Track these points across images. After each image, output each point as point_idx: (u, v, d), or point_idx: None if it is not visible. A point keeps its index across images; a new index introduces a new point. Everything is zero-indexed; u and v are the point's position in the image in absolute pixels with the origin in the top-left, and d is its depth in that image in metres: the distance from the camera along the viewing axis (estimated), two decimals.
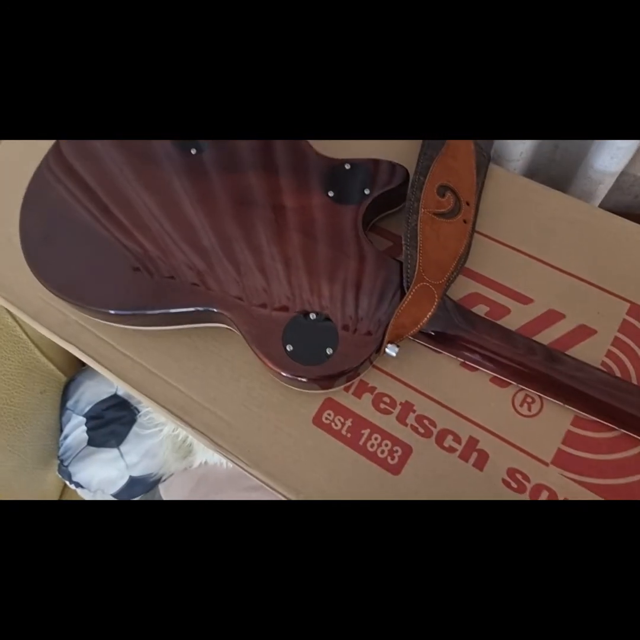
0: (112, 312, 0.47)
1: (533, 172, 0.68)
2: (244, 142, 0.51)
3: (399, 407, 0.47)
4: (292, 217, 0.48)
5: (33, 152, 0.54)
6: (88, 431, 0.76)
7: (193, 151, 0.51)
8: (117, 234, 0.48)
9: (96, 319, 0.50)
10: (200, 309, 0.46)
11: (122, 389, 0.79)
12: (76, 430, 0.77)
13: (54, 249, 0.48)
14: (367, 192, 0.48)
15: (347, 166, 0.49)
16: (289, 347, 0.44)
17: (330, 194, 0.49)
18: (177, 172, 0.50)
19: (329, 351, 0.44)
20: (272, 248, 0.47)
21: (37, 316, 0.54)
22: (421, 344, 0.47)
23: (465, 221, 0.47)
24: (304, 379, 0.44)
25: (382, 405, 0.47)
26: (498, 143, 0.62)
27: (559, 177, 0.68)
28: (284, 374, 0.44)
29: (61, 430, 0.79)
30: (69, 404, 0.79)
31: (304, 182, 0.49)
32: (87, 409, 0.77)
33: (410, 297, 0.43)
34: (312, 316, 0.45)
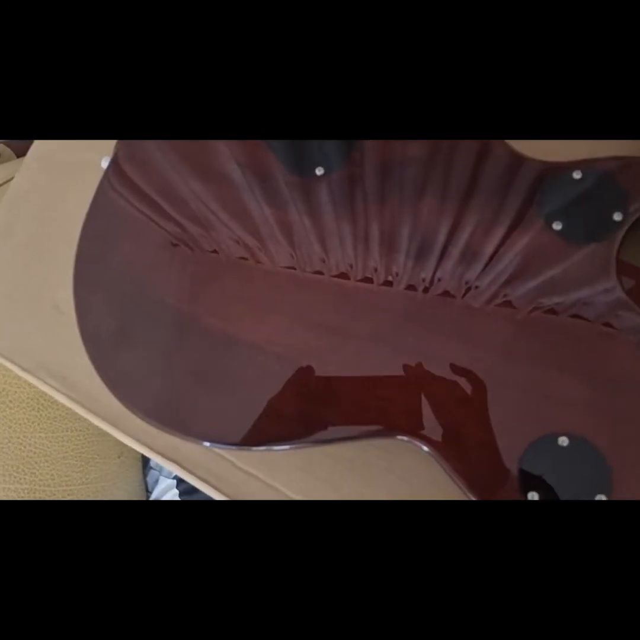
0: (235, 448, 0.31)
1: None
2: (399, 147, 0.33)
3: None
4: (497, 269, 0.30)
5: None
6: (181, 495, 0.63)
7: (319, 172, 0.33)
8: (242, 333, 0.31)
9: None
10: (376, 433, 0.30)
11: None
12: (166, 494, 0.64)
13: (137, 348, 0.32)
14: (618, 218, 0.30)
15: (577, 175, 0.31)
16: (531, 496, 0.28)
17: (556, 226, 0.30)
18: (299, 212, 0.33)
19: (600, 499, 0.27)
20: (477, 338, 0.30)
21: (116, 422, 0.39)
22: None
23: None
24: None
25: None
26: None
27: None
28: None
29: (148, 491, 0.67)
30: (153, 463, 0.66)
31: (510, 210, 0.31)
32: None
33: None
34: (563, 441, 0.28)
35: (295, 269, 0.32)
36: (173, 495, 0.63)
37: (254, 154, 0.34)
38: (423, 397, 0.29)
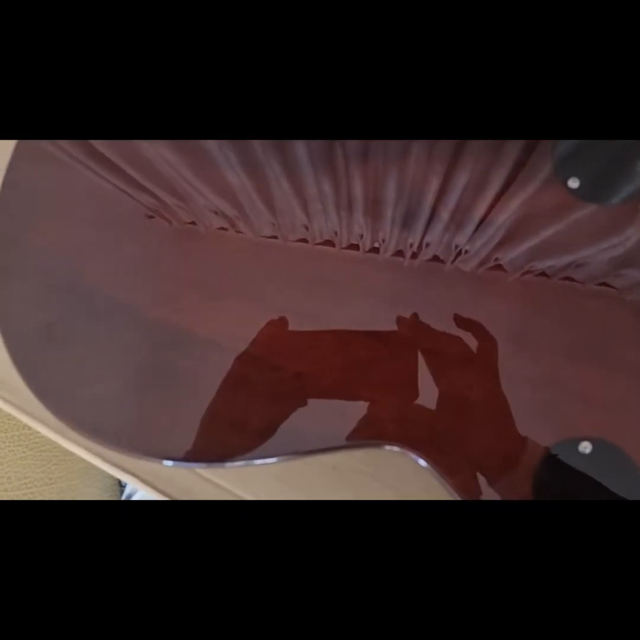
0: (197, 466, 0.26)
1: None
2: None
3: None
4: (502, 238, 0.25)
5: None
6: None
7: None
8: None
9: None
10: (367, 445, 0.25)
11: None
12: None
13: (70, 350, 0.27)
14: None
15: None
16: None
17: (572, 183, 0.25)
18: (276, 175, 0.27)
19: None
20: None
21: (63, 429, 0.34)
22: None
23: None
24: None
25: None
26: None
27: None
28: None
29: (122, 486, 0.62)
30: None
31: (508, 165, 0.25)
32: None
33: None
34: (585, 448, 0.23)
35: (277, 238, 0.27)
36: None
37: None
38: (418, 400, 0.25)
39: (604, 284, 0.25)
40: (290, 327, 0.26)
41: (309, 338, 0.26)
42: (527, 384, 0.24)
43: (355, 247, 0.27)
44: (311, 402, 0.25)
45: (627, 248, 0.25)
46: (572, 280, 0.25)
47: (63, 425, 0.34)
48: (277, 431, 0.25)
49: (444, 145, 0.27)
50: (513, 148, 0.26)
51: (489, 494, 0.23)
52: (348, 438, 0.25)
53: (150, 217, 0.28)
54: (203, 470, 0.32)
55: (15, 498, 0.49)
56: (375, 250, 0.27)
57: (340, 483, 0.30)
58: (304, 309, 0.26)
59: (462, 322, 0.25)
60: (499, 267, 0.26)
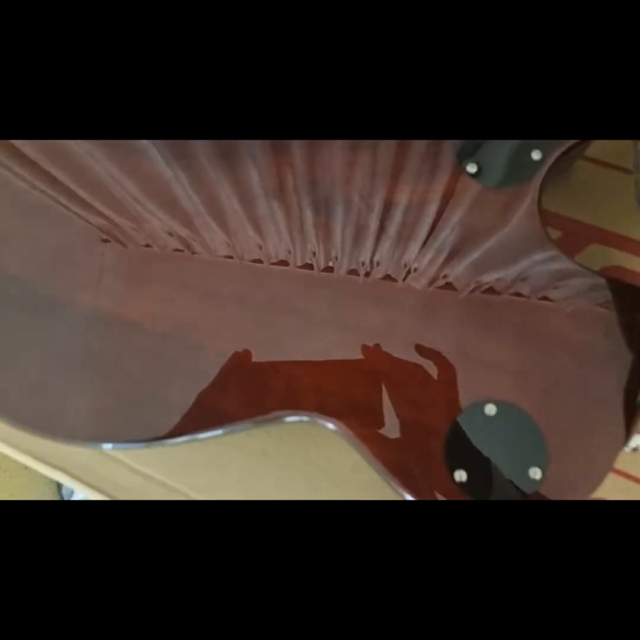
0: (122, 446, 0.26)
1: None
2: None
3: None
4: (406, 222, 0.27)
5: None
6: None
7: None
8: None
9: None
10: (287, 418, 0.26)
11: None
12: None
13: None
14: (537, 156, 0.27)
15: None
16: (459, 475, 0.24)
17: (470, 168, 0.27)
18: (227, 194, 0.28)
19: (534, 474, 0.24)
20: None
21: None
22: None
23: None
24: None
25: None
26: None
27: None
28: None
29: None
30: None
31: (412, 155, 0.27)
32: None
33: None
34: (490, 410, 0.25)
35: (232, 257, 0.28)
36: None
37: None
38: (335, 373, 0.26)
39: (545, 297, 0.26)
40: (212, 310, 0.27)
41: (230, 318, 0.27)
42: (437, 355, 0.26)
43: (309, 266, 0.28)
44: (233, 378, 0.26)
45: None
46: (520, 295, 0.26)
47: None
48: (201, 407, 0.25)
49: (385, 162, 0.28)
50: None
51: (404, 458, 0.24)
52: (270, 410, 0.25)
53: (105, 240, 0.29)
54: (133, 462, 0.32)
55: None
56: (329, 269, 0.28)
57: (272, 466, 0.31)
58: (224, 292, 0.27)
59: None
60: (449, 285, 0.27)
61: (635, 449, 0.25)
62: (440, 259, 0.27)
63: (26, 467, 0.55)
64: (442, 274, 0.27)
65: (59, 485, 0.59)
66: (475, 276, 0.27)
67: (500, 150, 0.27)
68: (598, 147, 0.31)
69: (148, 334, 0.26)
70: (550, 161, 0.27)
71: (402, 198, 0.28)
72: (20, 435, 0.32)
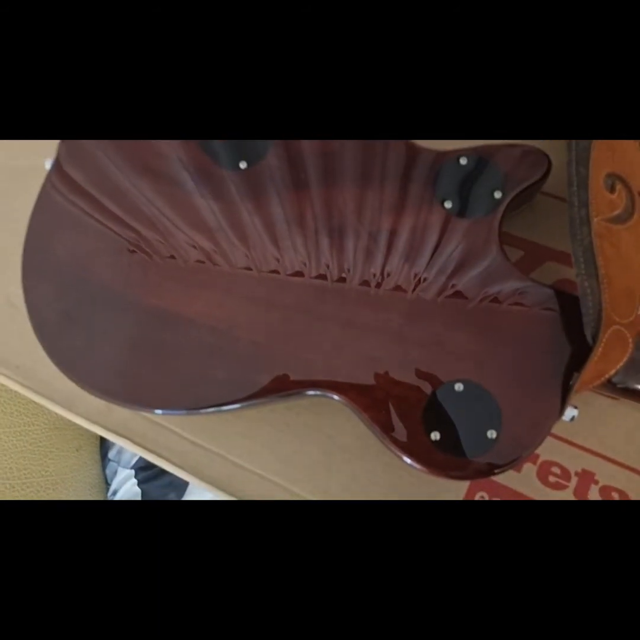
0: (184, 412, 0.35)
1: None
2: (309, 145, 0.37)
3: (575, 479, 0.36)
4: (400, 246, 0.35)
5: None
6: (140, 484, 0.66)
7: (242, 165, 0.37)
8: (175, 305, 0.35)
9: None
10: (309, 393, 0.34)
11: None
12: (125, 484, 0.67)
13: (84, 329, 0.36)
14: (498, 195, 0.35)
15: (463, 161, 0.36)
16: (434, 435, 0.32)
17: (447, 204, 0.35)
18: (233, 201, 0.36)
19: (491, 434, 0.32)
20: (381, 299, 0.34)
21: (70, 405, 0.42)
22: (596, 392, 0.36)
23: None
24: (459, 474, 0.33)
25: (551, 479, 0.36)
26: None
27: None
28: (431, 473, 0.32)
29: (108, 484, 0.69)
30: (111, 454, 0.68)
31: (406, 193, 0.36)
32: (134, 460, 0.66)
33: (600, 349, 0.31)
34: (459, 387, 0.33)
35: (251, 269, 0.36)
36: (132, 484, 0.66)
37: (193, 152, 0.38)
38: (341, 358, 0.34)
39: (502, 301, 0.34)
40: (248, 310, 0.35)
41: (259, 316, 0.35)
42: (419, 345, 0.34)
43: (323, 277, 0.35)
44: (263, 361, 0.34)
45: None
46: (485, 300, 0.34)
47: (68, 402, 0.42)
48: (239, 384, 0.34)
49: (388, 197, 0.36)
50: (418, 179, 0.36)
51: (393, 422, 0.32)
52: (293, 387, 0.34)
53: (132, 251, 0.37)
54: (182, 431, 0.40)
55: (16, 487, 0.57)
56: (342, 279, 0.35)
57: (292, 435, 0.39)
58: (256, 295, 0.36)
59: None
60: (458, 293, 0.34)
61: (572, 419, 0.33)
62: (449, 270, 0.35)
63: (77, 449, 0.64)
64: (451, 284, 0.35)
65: (103, 466, 0.68)
66: (484, 287, 0.34)
67: (473, 185, 0.35)
68: (553, 185, 0.39)
69: (200, 328, 0.35)
70: (507, 200, 0.35)
71: (405, 227, 0.36)
72: (95, 412, 0.41)
